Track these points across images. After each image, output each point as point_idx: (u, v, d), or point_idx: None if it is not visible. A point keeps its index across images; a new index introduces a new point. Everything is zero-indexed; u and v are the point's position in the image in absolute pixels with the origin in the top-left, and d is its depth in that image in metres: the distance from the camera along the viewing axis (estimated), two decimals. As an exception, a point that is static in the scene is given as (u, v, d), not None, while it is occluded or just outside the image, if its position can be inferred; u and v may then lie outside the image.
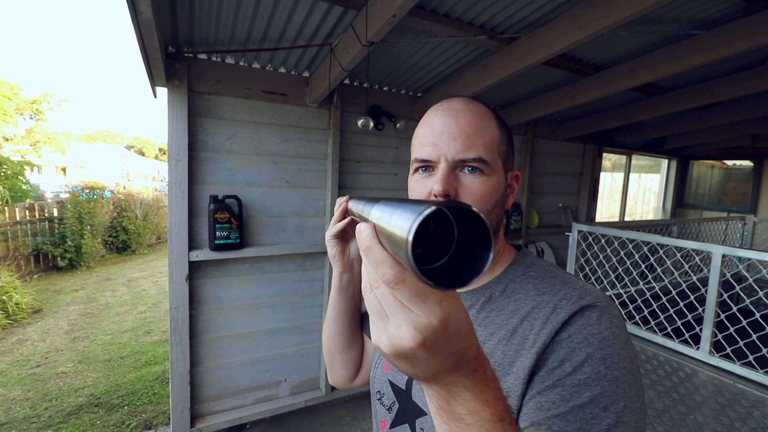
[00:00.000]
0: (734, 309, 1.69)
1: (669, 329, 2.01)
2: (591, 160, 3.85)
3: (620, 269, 2.35)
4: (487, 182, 0.55)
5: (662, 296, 2.02)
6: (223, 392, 2.37)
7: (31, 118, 12.80)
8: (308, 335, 2.61)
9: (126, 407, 2.82)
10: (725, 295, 1.80)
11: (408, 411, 0.62)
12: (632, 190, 5.16)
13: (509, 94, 2.85)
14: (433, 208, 0.25)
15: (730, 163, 5.08)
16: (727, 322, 1.72)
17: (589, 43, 1.97)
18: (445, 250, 0.30)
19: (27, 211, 6.60)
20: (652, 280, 2.42)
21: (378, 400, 0.68)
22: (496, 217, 0.58)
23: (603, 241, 2.39)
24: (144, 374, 3.32)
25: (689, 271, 2.76)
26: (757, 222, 3.98)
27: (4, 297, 4.62)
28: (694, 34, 1.85)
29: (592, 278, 2.41)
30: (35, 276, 6.40)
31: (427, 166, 0.57)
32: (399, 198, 0.30)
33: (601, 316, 0.48)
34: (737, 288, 2.31)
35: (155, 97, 2.16)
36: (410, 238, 0.24)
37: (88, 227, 7.01)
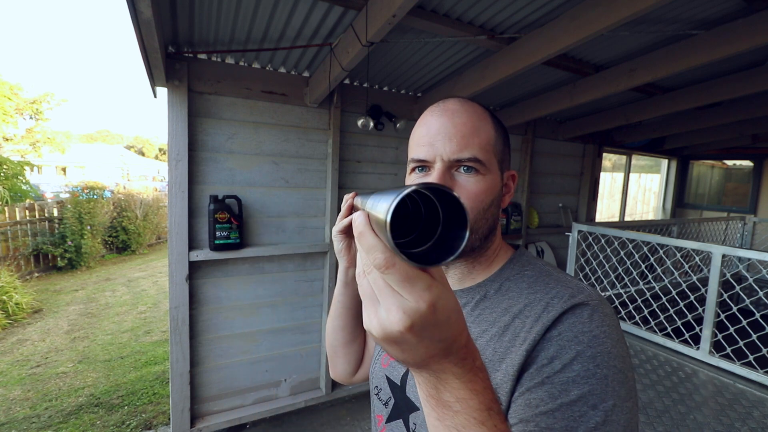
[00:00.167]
0: (734, 309, 1.69)
1: (669, 329, 2.01)
2: (591, 160, 3.85)
3: (620, 269, 2.35)
4: (483, 182, 0.56)
5: (662, 296, 2.02)
6: (223, 392, 2.37)
7: (31, 118, 12.81)
8: (308, 335, 2.61)
9: (126, 407, 2.82)
10: (725, 295, 1.80)
11: (402, 406, 0.63)
12: (632, 190, 5.16)
13: (509, 94, 2.85)
14: (409, 189, 0.27)
15: (730, 163, 5.08)
16: (727, 322, 1.72)
17: (589, 43, 1.97)
18: (433, 234, 0.32)
19: (27, 211, 6.60)
20: (652, 280, 2.42)
21: (375, 395, 0.69)
22: (492, 216, 0.59)
23: (603, 241, 2.39)
24: (144, 374, 3.32)
25: (689, 271, 2.76)
26: (757, 222, 3.98)
27: (4, 297, 4.62)
28: (694, 34, 1.85)
29: (592, 278, 2.41)
30: (35, 276, 6.40)
31: (424, 166, 0.58)
32: (395, 186, 0.32)
33: (592, 315, 0.48)
34: (737, 288, 2.31)
35: (155, 97, 2.16)
36: (388, 218, 0.27)
37: (88, 227, 7.01)
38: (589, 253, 2.46)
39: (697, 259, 2.83)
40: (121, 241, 8.25)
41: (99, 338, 4.15)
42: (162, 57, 1.70)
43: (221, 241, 2.16)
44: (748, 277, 1.74)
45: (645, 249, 2.16)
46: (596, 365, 0.44)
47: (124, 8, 1.25)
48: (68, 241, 6.71)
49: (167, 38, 1.92)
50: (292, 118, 2.39)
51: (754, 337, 1.62)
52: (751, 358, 1.64)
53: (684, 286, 1.95)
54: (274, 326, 2.49)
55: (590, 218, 3.96)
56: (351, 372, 0.80)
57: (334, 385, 2.69)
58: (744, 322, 1.64)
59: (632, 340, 2.01)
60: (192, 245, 2.15)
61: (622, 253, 2.30)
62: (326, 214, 2.54)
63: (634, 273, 2.41)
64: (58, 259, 6.72)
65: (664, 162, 5.22)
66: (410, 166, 0.60)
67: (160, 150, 42.39)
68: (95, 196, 7.56)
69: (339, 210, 2.48)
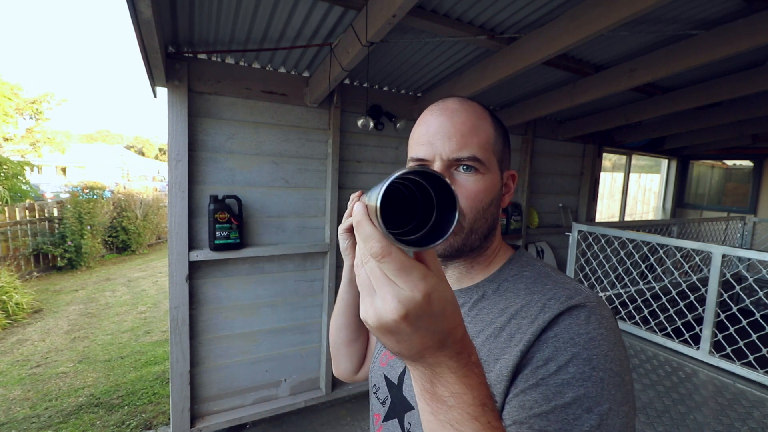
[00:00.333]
0: (734, 309, 1.69)
1: (669, 329, 2.01)
2: (591, 160, 3.85)
3: (620, 269, 2.35)
4: (482, 181, 0.56)
5: (662, 296, 2.02)
6: (223, 392, 2.37)
7: (31, 118, 12.82)
8: (308, 335, 2.61)
9: (126, 407, 2.82)
10: (725, 295, 1.80)
11: (398, 405, 0.63)
12: (632, 190, 5.16)
13: (509, 94, 2.85)
14: (398, 173, 0.29)
15: (730, 163, 5.08)
16: (727, 322, 1.72)
17: (589, 43, 1.97)
18: (429, 221, 0.34)
19: (27, 211, 6.60)
20: (652, 280, 2.42)
21: (374, 393, 0.69)
22: (492, 216, 0.58)
23: (603, 241, 2.39)
24: (144, 374, 3.32)
25: (689, 271, 2.76)
26: (757, 222, 3.98)
27: (4, 297, 4.62)
28: (694, 34, 1.85)
29: (592, 278, 2.41)
30: (35, 276, 6.40)
31: (423, 164, 0.57)
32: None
33: (589, 317, 0.47)
34: (737, 288, 2.31)
35: (155, 97, 2.16)
36: (378, 203, 0.28)
37: (88, 227, 7.01)
38: (589, 253, 2.46)
39: (697, 259, 2.83)
40: (121, 241, 8.25)
41: (99, 338, 4.15)
42: (162, 57, 1.70)
43: (221, 241, 2.16)
44: (748, 277, 1.74)
45: (645, 249, 2.16)
46: (592, 368, 0.44)
47: (124, 8, 1.25)
48: (68, 241, 6.71)
49: (167, 38, 1.92)
50: (292, 118, 2.39)
51: (754, 337, 1.62)
52: (751, 358, 1.64)
53: (684, 286, 1.95)
54: (274, 326, 2.49)
55: (590, 218, 3.96)
56: (353, 370, 0.80)
57: (334, 385, 2.69)
58: (744, 322, 1.64)
59: (632, 340, 2.01)
60: (192, 245, 2.15)
61: (622, 253, 2.30)
62: (326, 214, 2.54)
63: (634, 273, 2.41)
64: (58, 259, 6.72)
65: (664, 162, 5.22)
66: (409, 165, 0.59)
67: (160, 150, 42.38)
68: (95, 196, 7.56)
69: (339, 210, 2.48)
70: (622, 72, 2.19)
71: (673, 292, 2.03)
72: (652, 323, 2.07)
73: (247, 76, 2.21)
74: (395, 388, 0.64)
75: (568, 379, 0.44)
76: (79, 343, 4.02)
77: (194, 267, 2.18)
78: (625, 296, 2.23)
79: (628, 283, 2.33)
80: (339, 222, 2.57)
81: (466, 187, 0.55)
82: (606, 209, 5.11)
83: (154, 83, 1.99)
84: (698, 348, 1.78)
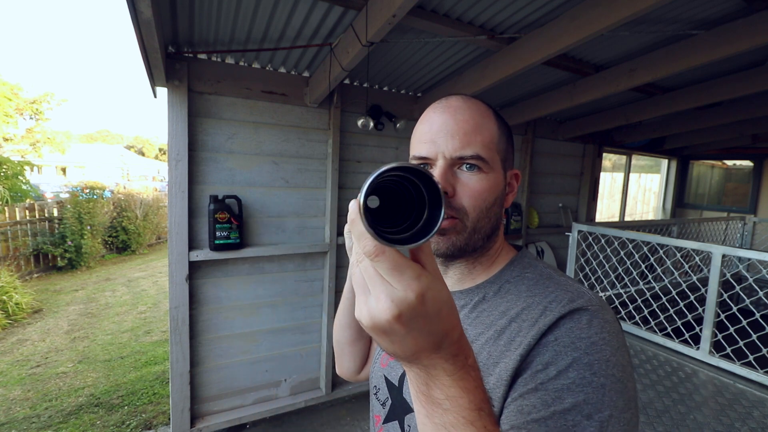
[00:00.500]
0: (734, 309, 1.69)
1: (669, 329, 2.01)
2: (591, 160, 3.85)
3: (620, 269, 2.35)
4: (486, 180, 0.55)
5: (662, 296, 2.02)
6: (223, 392, 2.37)
7: (31, 118, 12.82)
8: (308, 335, 2.61)
9: (126, 407, 2.82)
10: (725, 295, 1.80)
11: (398, 407, 0.62)
12: (632, 190, 5.16)
13: (509, 94, 2.85)
14: (381, 170, 0.29)
15: (730, 163, 5.08)
16: (727, 322, 1.72)
17: (589, 43, 1.97)
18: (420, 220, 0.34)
19: (27, 211, 6.59)
20: (652, 280, 2.42)
21: (374, 394, 0.69)
22: (495, 216, 0.57)
23: (603, 241, 2.39)
24: (144, 374, 3.32)
25: (689, 271, 2.76)
26: (757, 222, 3.98)
27: (4, 297, 4.62)
28: (694, 34, 1.85)
29: (592, 278, 2.41)
30: (35, 276, 6.40)
31: (425, 163, 0.56)
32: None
33: (591, 320, 0.46)
34: (737, 288, 2.31)
35: (155, 97, 2.16)
36: (361, 199, 0.29)
37: (88, 227, 7.01)
38: (589, 253, 2.46)
39: (697, 259, 2.83)
40: (121, 241, 8.24)
41: (99, 338, 4.15)
42: (162, 57, 1.70)
43: (221, 241, 2.16)
44: (748, 277, 1.74)
45: (645, 249, 2.16)
46: (593, 373, 0.43)
47: (124, 8, 1.25)
48: (68, 241, 6.71)
49: (167, 38, 1.92)
50: (292, 118, 2.39)
51: (754, 337, 1.62)
52: (751, 358, 1.64)
53: (684, 286, 1.95)
54: (274, 326, 2.49)
55: (590, 218, 3.96)
56: (356, 370, 0.79)
57: (334, 385, 2.69)
58: (744, 322, 1.64)
59: (632, 340, 2.01)
60: (192, 245, 2.15)
61: (622, 253, 2.30)
62: (326, 214, 2.54)
63: (634, 273, 2.41)
64: (58, 259, 6.72)
65: (664, 162, 5.22)
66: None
67: (160, 150, 42.37)
68: (95, 196, 7.56)
69: (339, 210, 2.48)
70: (622, 72, 2.19)
71: (673, 292, 2.03)
72: (652, 323, 2.07)
73: (247, 76, 2.21)
74: (396, 390, 0.64)
75: (568, 384, 0.43)
76: (79, 343, 4.02)
77: (194, 267, 2.18)
78: (625, 296, 2.23)
79: (628, 283, 2.33)
80: (339, 222, 2.57)
81: (470, 186, 0.54)
82: (606, 209, 5.11)
83: (154, 83, 1.99)
84: (698, 348, 1.78)
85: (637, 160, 5.01)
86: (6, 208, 6.33)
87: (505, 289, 0.56)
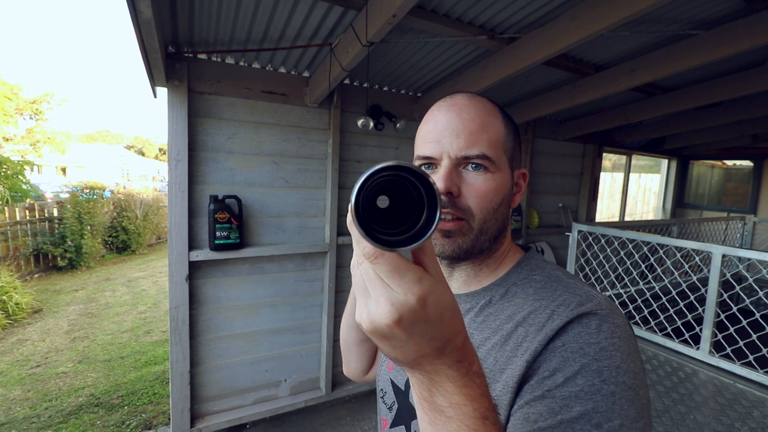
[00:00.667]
0: (734, 309, 1.69)
1: (669, 329, 2.01)
2: (591, 160, 3.85)
3: (620, 269, 2.35)
4: (492, 180, 0.53)
5: (662, 296, 2.02)
6: (223, 392, 2.37)
7: (31, 118, 12.82)
8: (308, 335, 2.61)
9: (126, 407, 2.82)
10: (725, 295, 1.80)
11: (405, 412, 0.61)
12: (632, 190, 5.16)
13: (509, 94, 2.85)
14: (373, 169, 0.28)
15: (730, 163, 5.08)
16: (727, 322, 1.72)
17: (589, 43, 1.97)
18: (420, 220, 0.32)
19: (27, 211, 6.59)
20: (652, 280, 2.42)
21: (381, 398, 0.68)
22: (502, 216, 0.56)
23: (603, 241, 2.39)
24: (144, 374, 3.32)
25: (689, 271, 2.76)
26: (757, 222, 3.98)
27: (4, 297, 4.62)
28: (694, 34, 1.85)
29: (592, 278, 2.41)
30: (35, 276, 6.40)
31: (430, 163, 0.55)
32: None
33: (600, 325, 0.44)
34: (737, 288, 2.31)
35: (155, 97, 2.16)
36: (352, 199, 0.28)
37: (88, 227, 7.01)
38: (589, 253, 2.46)
39: (697, 259, 2.83)
40: (121, 241, 8.24)
41: (99, 338, 4.15)
42: (162, 57, 1.70)
43: (221, 241, 2.16)
44: (748, 277, 1.74)
45: (645, 249, 2.16)
46: (602, 380, 0.41)
47: (124, 8, 1.25)
48: (68, 241, 6.71)
49: (167, 38, 1.92)
50: (292, 118, 2.39)
51: (754, 337, 1.62)
52: (751, 358, 1.64)
53: (684, 286, 1.95)
54: (274, 326, 2.49)
55: (590, 218, 3.95)
56: (363, 370, 0.78)
57: (334, 385, 2.69)
58: (744, 322, 1.64)
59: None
60: (192, 245, 2.15)
61: (622, 253, 2.30)
62: (326, 214, 2.54)
63: (634, 273, 2.41)
64: (58, 259, 6.72)
65: (664, 162, 5.22)
66: (416, 163, 0.56)
67: (160, 150, 42.37)
68: (95, 196, 7.56)
69: (339, 210, 2.48)
70: (622, 72, 2.19)
71: (673, 292, 2.03)
72: (652, 323, 2.07)
73: (247, 76, 2.21)
74: (402, 394, 0.62)
75: (576, 391, 0.41)
76: (79, 343, 4.02)
77: (194, 267, 2.18)
78: (625, 296, 2.23)
79: (628, 283, 2.33)
80: (339, 222, 2.57)
81: (476, 186, 0.52)
82: (606, 209, 5.11)
83: (154, 83, 1.99)
84: (698, 348, 1.78)
85: (637, 160, 5.01)
86: (6, 208, 6.33)
87: (512, 292, 0.54)
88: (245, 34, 1.91)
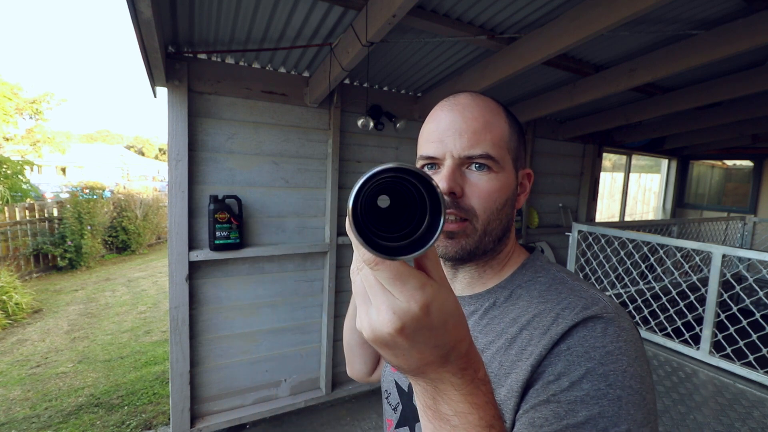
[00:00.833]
0: (734, 309, 1.69)
1: (669, 329, 2.01)
2: (591, 160, 3.85)
3: (620, 269, 2.35)
4: (496, 180, 0.52)
5: (662, 296, 2.02)
6: (223, 392, 2.37)
7: (31, 118, 12.82)
8: (308, 335, 2.61)
9: (126, 407, 2.82)
10: (725, 295, 1.80)
11: (409, 414, 0.61)
12: (632, 190, 5.16)
13: (509, 94, 2.85)
14: (372, 171, 0.27)
15: (730, 163, 5.08)
16: (727, 322, 1.72)
17: (589, 43, 1.97)
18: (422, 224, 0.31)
19: (27, 211, 6.59)
20: (652, 280, 2.42)
21: (385, 398, 0.67)
22: (506, 217, 0.55)
23: (603, 241, 2.39)
24: (144, 374, 3.32)
25: (689, 271, 2.76)
26: (757, 222, 3.98)
27: (4, 297, 4.62)
28: (694, 34, 1.85)
29: (592, 278, 2.41)
30: (35, 276, 6.40)
31: (433, 163, 0.54)
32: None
33: (606, 329, 0.44)
34: (737, 288, 2.31)
35: (155, 97, 2.16)
36: (350, 203, 0.28)
37: (88, 227, 7.01)
38: (589, 253, 2.46)
39: (697, 259, 2.83)
40: (121, 241, 8.24)
41: (99, 338, 4.15)
42: (162, 57, 1.70)
43: (221, 241, 2.16)
44: (748, 277, 1.74)
45: (645, 249, 2.16)
46: (608, 384, 0.40)
47: (124, 8, 1.25)
48: (68, 241, 6.71)
49: (167, 38, 1.92)
50: (292, 118, 2.39)
51: (754, 337, 1.62)
52: (751, 358, 1.64)
53: (684, 286, 1.95)
54: (274, 326, 2.49)
55: (590, 218, 3.96)
56: (367, 372, 0.77)
57: (334, 385, 2.69)
58: (744, 322, 1.64)
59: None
60: (192, 245, 2.15)
61: (622, 253, 2.30)
62: (326, 214, 2.54)
63: (634, 273, 2.41)
64: (58, 259, 6.72)
65: (664, 162, 5.22)
66: (419, 163, 0.56)
67: (160, 150, 42.36)
68: (95, 196, 7.56)
69: (339, 210, 2.48)
70: (622, 72, 2.19)
71: (673, 292, 2.03)
72: (652, 323, 2.07)
73: (247, 76, 2.21)
74: (406, 396, 0.62)
75: (581, 396, 0.40)
76: (79, 343, 4.02)
77: (194, 267, 2.18)
78: (625, 296, 2.23)
79: (628, 283, 2.33)
80: (339, 222, 2.57)
81: (479, 186, 0.52)
82: (606, 209, 5.11)
83: (154, 83, 1.99)
84: (698, 348, 1.78)
85: (637, 160, 5.01)
86: (6, 208, 6.32)
87: (516, 294, 0.54)
88: (245, 34, 1.91)
